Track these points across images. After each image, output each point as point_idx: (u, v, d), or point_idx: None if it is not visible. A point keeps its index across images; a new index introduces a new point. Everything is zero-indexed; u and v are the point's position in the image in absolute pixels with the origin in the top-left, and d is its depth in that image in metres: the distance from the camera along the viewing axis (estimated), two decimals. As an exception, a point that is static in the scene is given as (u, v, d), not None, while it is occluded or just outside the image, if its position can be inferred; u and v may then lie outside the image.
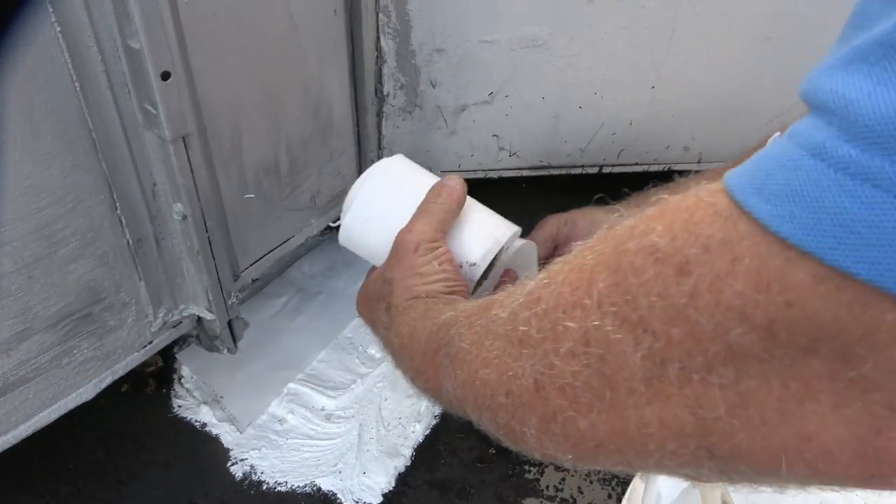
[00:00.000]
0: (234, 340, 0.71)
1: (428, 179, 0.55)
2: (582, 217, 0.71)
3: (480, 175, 0.93)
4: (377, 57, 0.80)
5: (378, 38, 0.78)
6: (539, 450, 0.31)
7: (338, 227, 0.56)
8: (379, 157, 0.90)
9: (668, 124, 0.90)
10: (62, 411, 0.62)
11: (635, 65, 0.83)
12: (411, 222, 0.51)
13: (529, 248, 0.58)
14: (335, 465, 0.74)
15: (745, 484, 0.27)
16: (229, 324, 0.69)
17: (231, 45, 0.58)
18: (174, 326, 0.67)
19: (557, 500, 0.72)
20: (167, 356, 0.83)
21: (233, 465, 0.74)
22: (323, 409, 0.79)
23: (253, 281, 0.74)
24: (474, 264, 0.53)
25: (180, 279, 0.64)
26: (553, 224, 0.74)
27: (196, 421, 0.78)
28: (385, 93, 0.85)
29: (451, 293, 0.48)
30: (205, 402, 0.78)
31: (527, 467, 0.74)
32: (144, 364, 0.81)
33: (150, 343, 0.65)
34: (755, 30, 0.81)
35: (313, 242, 0.98)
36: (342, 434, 0.77)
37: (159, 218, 0.60)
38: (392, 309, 0.49)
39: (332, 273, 0.93)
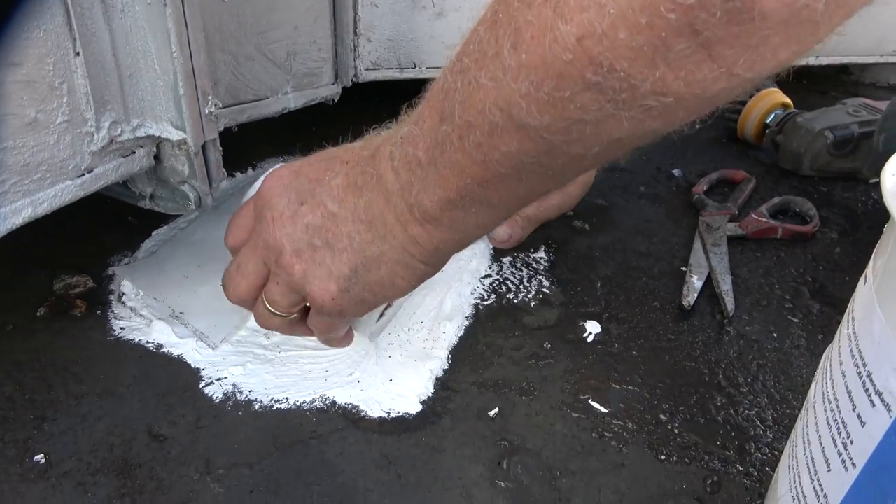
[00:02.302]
0: (210, 182, 0.51)
1: None
2: None
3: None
4: None
5: None
6: None
7: None
8: (355, 46, 0.76)
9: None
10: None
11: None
12: None
13: None
14: (350, 375, 0.55)
15: None
16: (203, 151, 0.50)
17: None
18: (124, 156, 0.48)
19: (645, 386, 0.56)
20: (100, 277, 0.62)
21: (207, 385, 0.53)
22: (321, 319, 0.60)
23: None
24: None
25: (135, 70, 0.46)
26: None
27: (148, 342, 0.56)
28: (363, -44, 0.72)
29: None
30: (160, 319, 0.57)
31: (591, 357, 0.58)
32: (68, 285, 0.60)
33: (90, 172, 0.45)
34: None
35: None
36: (352, 341, 0.58)
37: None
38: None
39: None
